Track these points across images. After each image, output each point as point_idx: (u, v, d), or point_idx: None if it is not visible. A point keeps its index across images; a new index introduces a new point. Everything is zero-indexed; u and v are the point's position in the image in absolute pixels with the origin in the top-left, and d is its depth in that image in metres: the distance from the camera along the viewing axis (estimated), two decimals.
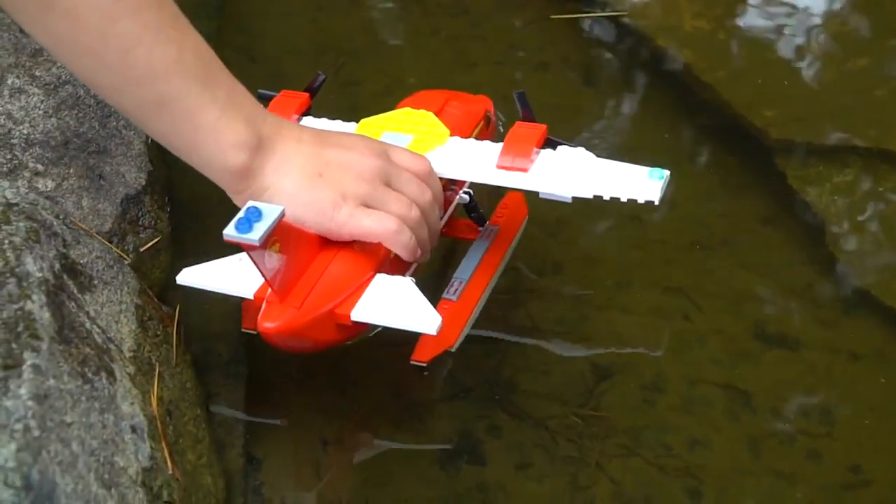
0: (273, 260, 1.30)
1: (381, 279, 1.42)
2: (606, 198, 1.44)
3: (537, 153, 1.48)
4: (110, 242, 1.55)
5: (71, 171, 1.56)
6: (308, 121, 1.58)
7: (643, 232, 1.73)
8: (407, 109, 1.56)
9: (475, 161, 1.49)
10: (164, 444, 1.37)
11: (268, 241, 1.26)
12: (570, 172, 1.46)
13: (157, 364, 1.46)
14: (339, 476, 1.49)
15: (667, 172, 1.44)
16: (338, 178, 1.33)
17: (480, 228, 1.61)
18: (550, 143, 1.50)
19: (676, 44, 1.93)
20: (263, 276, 1.32)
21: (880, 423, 1.57)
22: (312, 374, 1.57)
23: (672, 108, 1.91)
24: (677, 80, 1.93)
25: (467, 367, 1.47)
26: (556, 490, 1.48)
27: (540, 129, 1.50)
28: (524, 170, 1.47)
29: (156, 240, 1.61)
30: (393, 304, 1.39)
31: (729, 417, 1.57)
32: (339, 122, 1.57)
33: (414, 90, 1.64)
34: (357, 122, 1.56)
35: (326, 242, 1.39)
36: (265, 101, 1.56)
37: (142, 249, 1.59)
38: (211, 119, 1.26)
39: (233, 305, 1.56)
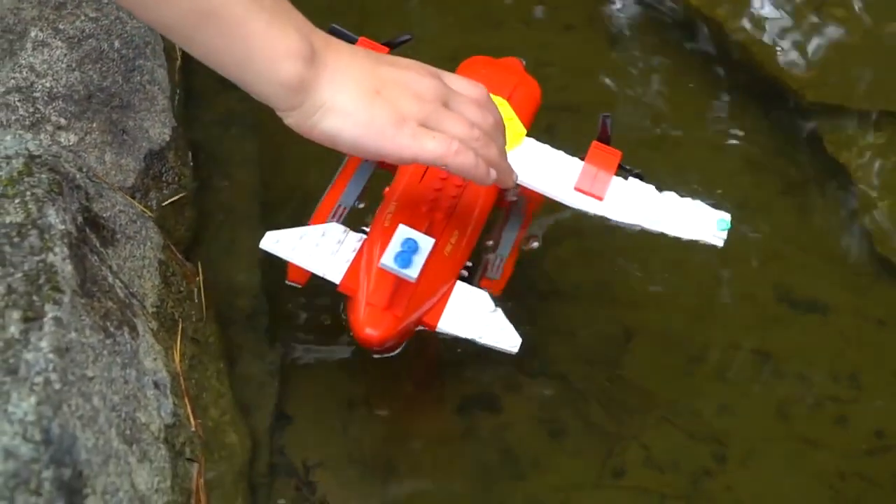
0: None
1: (461, 288, 1.41)
2: (672, 235, 1.43)
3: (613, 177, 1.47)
4: (133, 198, 1.53)
5: (94, 125, 1.55)
6: None
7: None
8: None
9: (554, 174, 1.46)
10: (186, 401, 1.37)
11: None
12: (642, 205, 1.44)
13: (181, 320, 1.45)
14: (363, 434, 1.48)
15: (729, 217, 1.43)
16: (396, 97, 1.24)
17: (513, 197, 1.58)
18: (622, 171, 1.48)
19: (709, 3, 1.90)
20: (393, 294, 1.34)
21: None
22: (338, 334, 1.55)
23: (704, 69, 1.89)
24: (709, 41, 1.90)
25: None
26: (588, 456, 1.48)
27: (616, 156, 1.47)
28: (600, 197, 1.45)
29: (179, 195, 1.60)
30: (475, 318, 1.39)
31: (757, 382, 1.56)
32: None
33: (438, 52, 1.62)
34: None
35: None
36: (337, 37, 1.50)
37: (164, 204, 1.58)
38: (260, 27, 1.17)
39: (257, 263, 1.57)
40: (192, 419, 1.35)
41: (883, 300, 1.65)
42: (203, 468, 1.33)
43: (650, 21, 1.95)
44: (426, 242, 1.29)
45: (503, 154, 1.34)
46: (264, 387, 1.50)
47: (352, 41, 1.46)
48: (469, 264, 1.47)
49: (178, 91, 1.71)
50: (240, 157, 1.66)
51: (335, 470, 1.44)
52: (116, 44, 1.63)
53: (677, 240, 1.42)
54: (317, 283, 1.41)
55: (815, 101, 1.79)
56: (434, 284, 1.39)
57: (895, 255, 1.68)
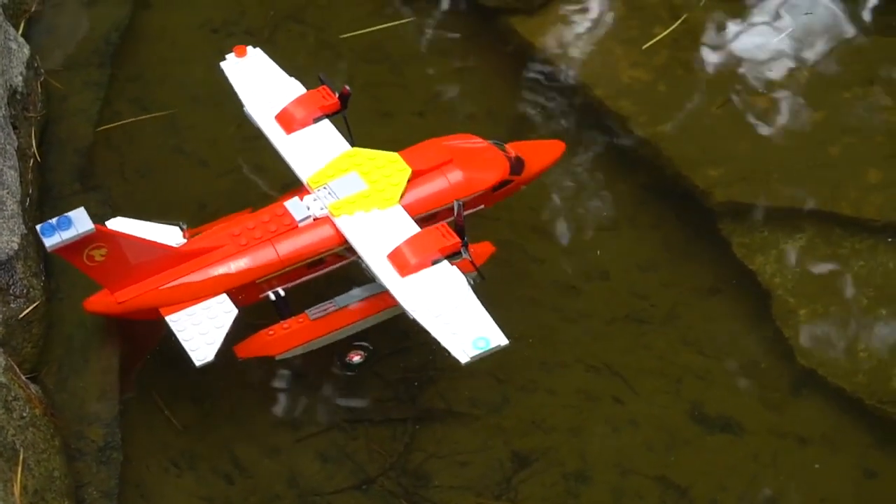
0: (95, 260, 1.46)
1: (220, 299, 1.53)
2: (433, 335, 1.46)
3: (434, 261, 1.52)
4: None
5: None
6: (325, 125, 1.66)
7: (573, 303, 1.70)
8: (395, 156, 1.60)
9: (377, 238, 1.54)
10: None
11: (68, 250, 1.43)
12: (434, 296, 1.48)
13: (22, 450, 1.41)
14: None
15: (497, 346, 1.44)
16: None
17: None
18: (455, 257, 1.53)
19: (613, 95, 1.90)
20: (117, 282, 1.50)
21: None
22: (196, 460, 1.53)
23: (609, 164, 1.88)
24: (614, 135, 1.89)
25: (371, 451, 1.44)
26: None
27: (450, 242, 1.52)
28: (401, 272, 1.50)
29: (27, 310, 1.56)
30: (198, 322, 1.51)
31: None
32: (338, 141, 1.65)
33: None
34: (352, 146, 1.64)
35: (207, 254, 1.52)
36: (324, 84, 1.67)
37: (10, 320, 1.54)
38: None
39: (114, 385, 1.54)
40: None
41: (801, 416, 1.64)
42: None
43: (555, 113, 1.95)
44: (83, 225, 1.42)
45: None
46: None
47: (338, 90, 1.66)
48: (281, 293, 1.56)
49: (31, 192, 1.69)
50: None
51: None
52: None
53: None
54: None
55: (724, 200, 1.78)
56: (186, 292, 1.52)
57: (818, 366, 1.66)
